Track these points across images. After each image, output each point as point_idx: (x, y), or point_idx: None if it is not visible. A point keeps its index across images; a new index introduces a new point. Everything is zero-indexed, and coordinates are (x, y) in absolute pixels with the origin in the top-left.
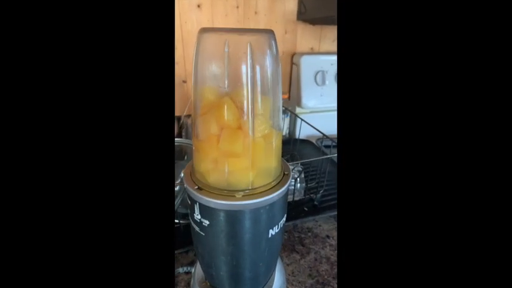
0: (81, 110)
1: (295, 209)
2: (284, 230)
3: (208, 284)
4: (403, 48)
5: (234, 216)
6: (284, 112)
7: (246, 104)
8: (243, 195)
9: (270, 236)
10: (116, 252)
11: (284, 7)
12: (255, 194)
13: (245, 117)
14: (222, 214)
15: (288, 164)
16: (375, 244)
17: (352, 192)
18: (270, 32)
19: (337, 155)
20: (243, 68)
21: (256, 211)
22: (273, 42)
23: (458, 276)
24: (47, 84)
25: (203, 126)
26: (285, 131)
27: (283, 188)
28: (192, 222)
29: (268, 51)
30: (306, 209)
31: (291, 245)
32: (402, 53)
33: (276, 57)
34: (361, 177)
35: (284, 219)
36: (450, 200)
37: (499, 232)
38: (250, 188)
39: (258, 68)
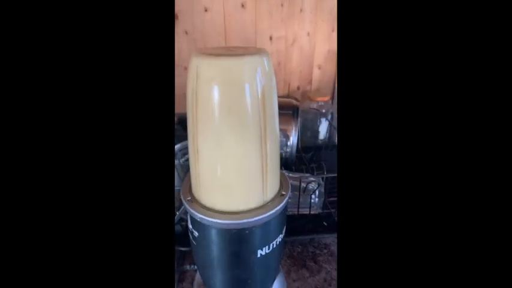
0: (78, 109)
1: (312, 222)
2: (284, 246)
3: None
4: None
5: (218, 234)
6: (323, 116)
7: None
8: (227, 214)
9: (259, 255)
10: (114, 253)
11: (331, 4)
12: (237, 214)
13: None
14: (207, 229)
15: (309, 176)
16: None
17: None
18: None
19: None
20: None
21: (240, 232)
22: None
23: None
24: (45, 80)
25: None
26: (324, 135)
27: (275, 210)
28: (188, 230)
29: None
30: (325, 223)
31: (302, 259)
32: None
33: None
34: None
35: (280, 238)
36: (451, 218)
37: (498, 237)
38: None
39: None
